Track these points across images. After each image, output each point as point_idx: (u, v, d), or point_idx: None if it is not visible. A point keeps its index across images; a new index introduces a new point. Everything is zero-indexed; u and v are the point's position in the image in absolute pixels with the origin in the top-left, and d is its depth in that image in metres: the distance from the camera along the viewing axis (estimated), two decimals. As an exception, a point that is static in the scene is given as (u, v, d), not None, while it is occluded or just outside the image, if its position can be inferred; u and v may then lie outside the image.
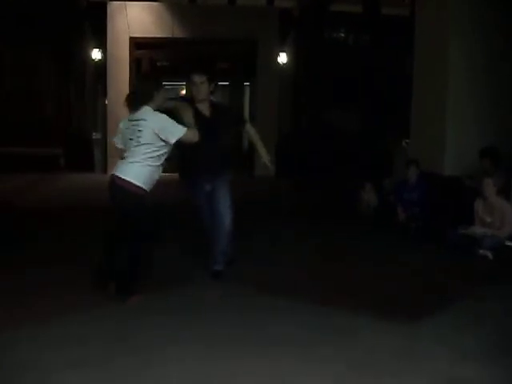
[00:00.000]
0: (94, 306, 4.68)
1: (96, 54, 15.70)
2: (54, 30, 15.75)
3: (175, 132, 4.72)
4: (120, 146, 4.95)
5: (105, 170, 13.98)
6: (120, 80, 14.02)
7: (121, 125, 4.98)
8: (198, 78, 5.20)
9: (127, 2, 14.23)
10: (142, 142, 4.69)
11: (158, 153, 4.75)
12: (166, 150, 4.80)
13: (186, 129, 4.77)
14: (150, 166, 4.74)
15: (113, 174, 4.79)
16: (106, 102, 14.37)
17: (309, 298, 4.93)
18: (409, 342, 4.06)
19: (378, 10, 15.58)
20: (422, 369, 3.62)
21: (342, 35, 17.85)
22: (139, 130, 4.70)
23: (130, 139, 4.75)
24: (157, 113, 4.79)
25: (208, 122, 5.17)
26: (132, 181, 4.68)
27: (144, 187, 4.72)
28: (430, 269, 6.12)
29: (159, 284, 5.25)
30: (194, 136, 4.83)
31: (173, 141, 4.71)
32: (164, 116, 4.77)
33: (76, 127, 15.77)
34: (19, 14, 15.77)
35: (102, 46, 14.79)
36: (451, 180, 7.95)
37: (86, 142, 14.75)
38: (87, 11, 16.31)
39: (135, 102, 4.86)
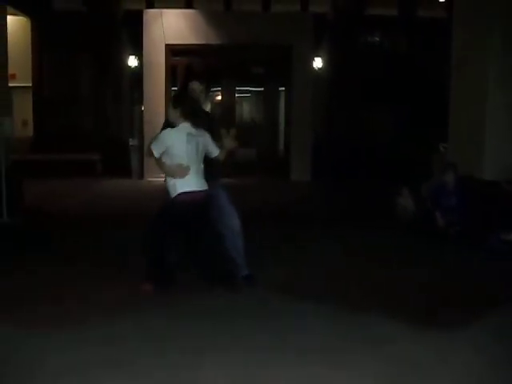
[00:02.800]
0: (134, 307, 4.75)
1: (132, 61, 15.93)
2: (92, 38, 16.03)
3: (215, 149, 5.28)
4: (157, 155, 5.07)
5: (141, 175, 14.14)
6: (156, 86, 14.17)
7: (173, 135, 5.09)
8: (197, 86, 5.32)
9: (163, 10, 14.41)
10: (201, 155, 5.17)
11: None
12: None
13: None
14: None
15: (191, 192, 5.06)
16: (143, 109, 14.54)
17: (345, 303, 4.88)
18: (444, 350, 4.00)
19: (413, 13, 15.45)
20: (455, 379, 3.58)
21: (377, 39, 17.76)
22: (197, 143, 5.10)
23: (191, 151, 5.07)
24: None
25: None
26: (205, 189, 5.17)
27: None
28: (470, 275, 6.02)
29: (191, 287, 5.28)
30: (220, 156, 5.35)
31: (213, 155, 5.27)
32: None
33: (113, 133, 16.01)
34: (59, 23, 16.08)
35: (139, 53, 15.00)
36: (490, 185, 7.83)
37: (122, 148, 14.94)
38: (124, 19, 16.59)
39: (198, 118, 5.14)
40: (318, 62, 15.80)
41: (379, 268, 6.13)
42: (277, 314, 4.65)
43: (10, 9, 10.49)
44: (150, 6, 16.41)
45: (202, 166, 5.21)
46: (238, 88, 15.82)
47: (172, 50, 14.26)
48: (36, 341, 4.06)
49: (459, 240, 7.38)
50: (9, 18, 9.71)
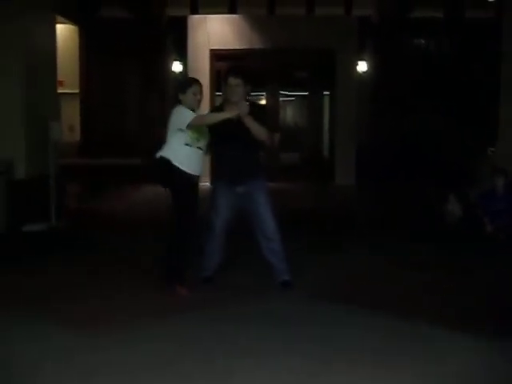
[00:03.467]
0: (175, 311, 4.79)
1: (177, 67, 16.07)
2: (137, 45, 16.26)
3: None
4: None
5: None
6: (200, 92, 14.24)
7: None
8: (233, 81, 5.21)
9: (207, 16, 14.50)
10: None
11: None
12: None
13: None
14: None
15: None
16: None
17: (396, 313, 4.77)
18: (490, 360, 3.89)
19: (461, 14, 15.16)
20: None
21: (422, 41, 17.51)
22: None
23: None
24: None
25: (235, 123, 5.11)
26: None
27: None
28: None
29: (232, 292, 5.29)
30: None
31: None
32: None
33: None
34: (106, 30, 16.37)
35: (183, 59, 15.13)
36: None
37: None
38: (168, 25, 16.77)
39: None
40: (361, 66, 15.66)
41: (430, 276, 5.98)
42: (325, 323, 4.58)
43: (58, 17, 10.70)
44: (194, 12, 16.54)
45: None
46: (281, 92, 15.79)
47: (216, 55, 14.34)
48: (85, 340, 4.12)
49: (509, 245, 7.20)
50: (57, 26, 9.92)
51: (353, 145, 14.45)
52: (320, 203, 11.34)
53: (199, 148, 5.25)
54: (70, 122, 16.81)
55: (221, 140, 5.24)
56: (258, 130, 5.11)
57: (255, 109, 5.21)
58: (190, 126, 5.13)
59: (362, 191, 13.13)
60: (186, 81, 6.11)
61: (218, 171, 5.56)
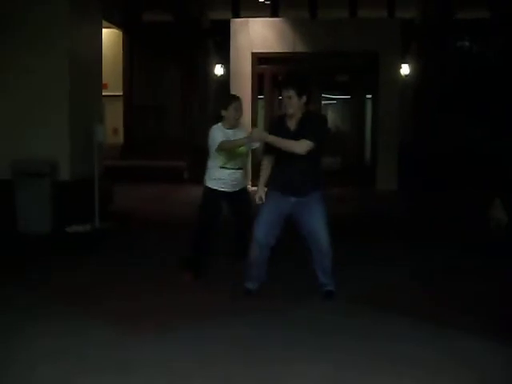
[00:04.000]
0: (218, 314, 4.82)
1: (219, 70, 16.18)
2: (179, 48, 16.42)
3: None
4: None
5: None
6: (242, 95, 14.19)
7: None
8: (285, 93, 5.10)
9: (250, 19, 14.54)
10: None
11: None
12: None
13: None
14: None
15: None
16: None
17: (443, 326, 4.63)
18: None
19: (509, 14, 14.84)
20: None
21: (467, 44, 17.24)
22: None
23: None
24: None
25: (291, 135, 5.03)
26: None
27: None
28: None
29: (274, 298, 5.27)
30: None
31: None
32: None
33: (200, 141, 16.26)
34: (149, 34, 16.57)
35: (225, 62, 15.20)
36: None
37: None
38: (211, 28, 16.90)
39: None
40: (405, 69, 15.49)
41: (474, 287, 5.78)
42: (370, 334, 4.51)
43: (103, 22, 10.87)
44: (236, 15, 16.64)
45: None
46: (323, 95, 15.71)
47: (258, 59, 14.34)
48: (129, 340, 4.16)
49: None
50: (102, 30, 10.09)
51: (396, 150, 14.27)
52: (362, 209, 11.21)
53: (235, 168, 5.72)
54: (114, 125, 17.08)
55: (278, 151, 5.10)
56: (285, 146, 4.98)
57: (307, 120, 5.11)
58: (218, 151, 5.60)
59: (404, 196, 12.93)
60: (228, 97, 6.26)
61: (272, 181, 5.36)
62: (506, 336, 4.34)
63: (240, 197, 5.87)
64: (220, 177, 5.72)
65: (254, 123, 13.98)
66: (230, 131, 5.67)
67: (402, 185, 13.88)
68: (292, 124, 5.10)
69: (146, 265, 6.46)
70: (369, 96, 15.45)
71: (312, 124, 5.09)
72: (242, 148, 5.58)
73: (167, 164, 15.37)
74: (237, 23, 14.55)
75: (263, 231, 5.13)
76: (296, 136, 4.99)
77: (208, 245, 5.85)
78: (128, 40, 17.53)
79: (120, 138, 17.59)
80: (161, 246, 7.53)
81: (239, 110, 5.70)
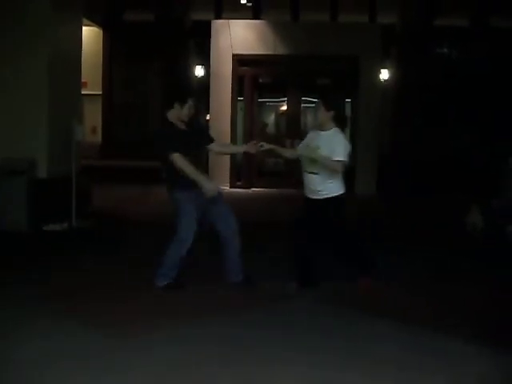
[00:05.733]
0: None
1: (199, 71, 16.13)
2: (160, 48, 16.34)
3: None
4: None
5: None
6: (223, 96, 14.26)
7: None
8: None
9: (231, 21, 14.52)
10: None
11: None
12: None
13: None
14: None
15: None
16: (208, 118, 14.66)
17: (419, 320, 4.72)
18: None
19: (487, 22, 15.05)
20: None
21: (447, 50, 17.42)
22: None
23: None
24: None
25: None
26: None
27: None
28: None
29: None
30: None
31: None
32: None
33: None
34: (130, 33, 16.48)
35: (206, 63, 15.16)
36: None
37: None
38: (192, 29, 16.85)
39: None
40: (384, 74, 15.59)
41: (461, 290, 5.79)
42: (356, 335, 4.51)
43: (84, 20, 10.78)
44: (218, 16, 16.62)
45: None
46: (303, 98, 15.75)
47: (239, 60, 14.34)
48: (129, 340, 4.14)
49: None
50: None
51: (374, 153, 14.36)
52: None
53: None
54: (92, 124, 16.95)
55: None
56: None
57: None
58: None
59: (382, 200, 12.99)
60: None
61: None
62: (492, 338, 4.36)
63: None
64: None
65: (234, 125, 13.96)
66: None
67: (381, 188, 13.94)
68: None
69: (124, 264, 6.39)
70: (348, 100, 15.52)
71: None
72: None
73: (146, 164, 15.24)
74: (218, 24, 14.53)
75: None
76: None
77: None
78: (108, 38, 17.42)
79: (98, 137, 17.46)
80: (139, 245, 7.47)
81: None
